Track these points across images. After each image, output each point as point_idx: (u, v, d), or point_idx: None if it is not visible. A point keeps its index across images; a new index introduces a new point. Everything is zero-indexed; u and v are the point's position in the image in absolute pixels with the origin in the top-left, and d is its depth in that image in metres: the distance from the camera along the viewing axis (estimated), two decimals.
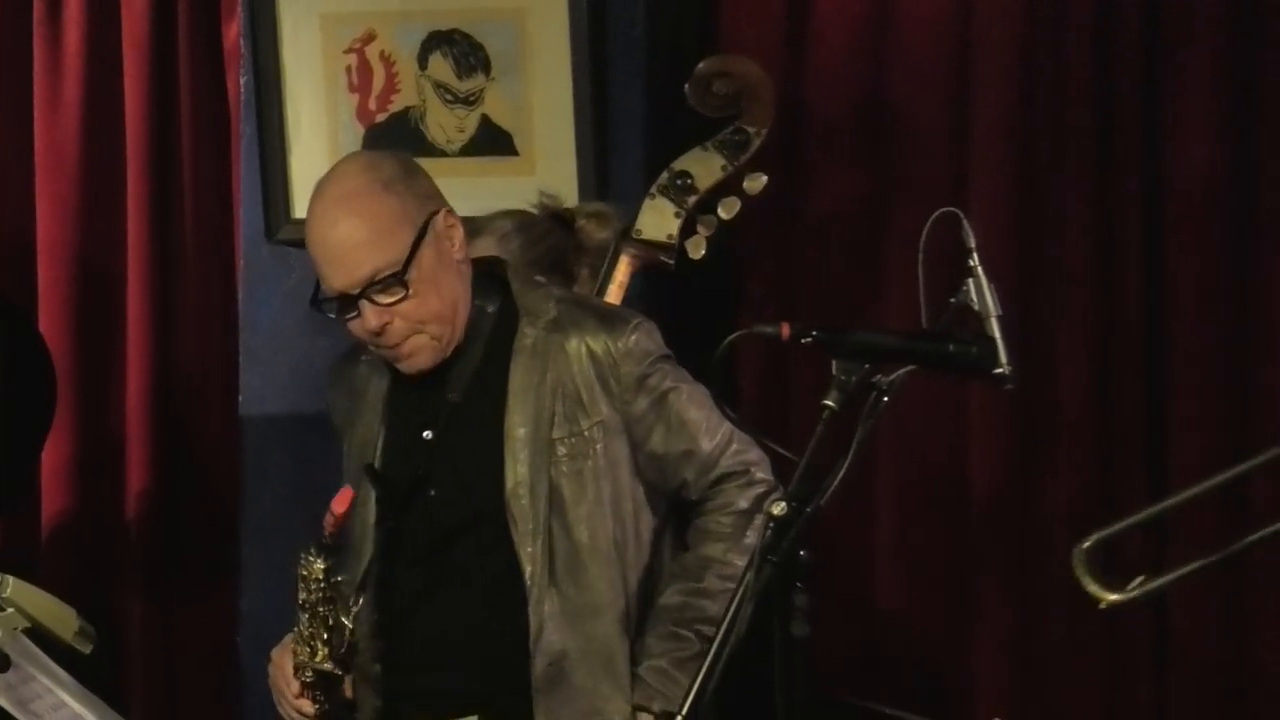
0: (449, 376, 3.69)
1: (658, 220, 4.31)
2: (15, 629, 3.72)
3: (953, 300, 3.11)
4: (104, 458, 5.10)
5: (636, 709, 3.61)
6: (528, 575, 3.64)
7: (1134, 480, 4.53)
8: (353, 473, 3.80)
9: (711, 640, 3.15)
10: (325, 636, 3.56)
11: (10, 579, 3.70)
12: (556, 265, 4.14)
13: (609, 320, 3.77)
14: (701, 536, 3.73)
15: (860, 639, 4.64)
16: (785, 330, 3.13)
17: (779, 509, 2.97)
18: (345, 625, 3.61)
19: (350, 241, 3.53)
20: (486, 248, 4.03)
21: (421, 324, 3.54)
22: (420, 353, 3.58)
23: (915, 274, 3.09)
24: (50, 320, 5.07)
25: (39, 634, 3.76)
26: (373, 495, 3.69)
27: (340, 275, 3.51)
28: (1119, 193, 4.60)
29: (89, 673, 3.74)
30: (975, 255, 3.10)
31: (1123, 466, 4.57)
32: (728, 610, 3.01)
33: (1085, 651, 4.57)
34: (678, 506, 3.75)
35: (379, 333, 3.50)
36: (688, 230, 4.29)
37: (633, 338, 3.66)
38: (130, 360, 5.03)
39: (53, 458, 4.90)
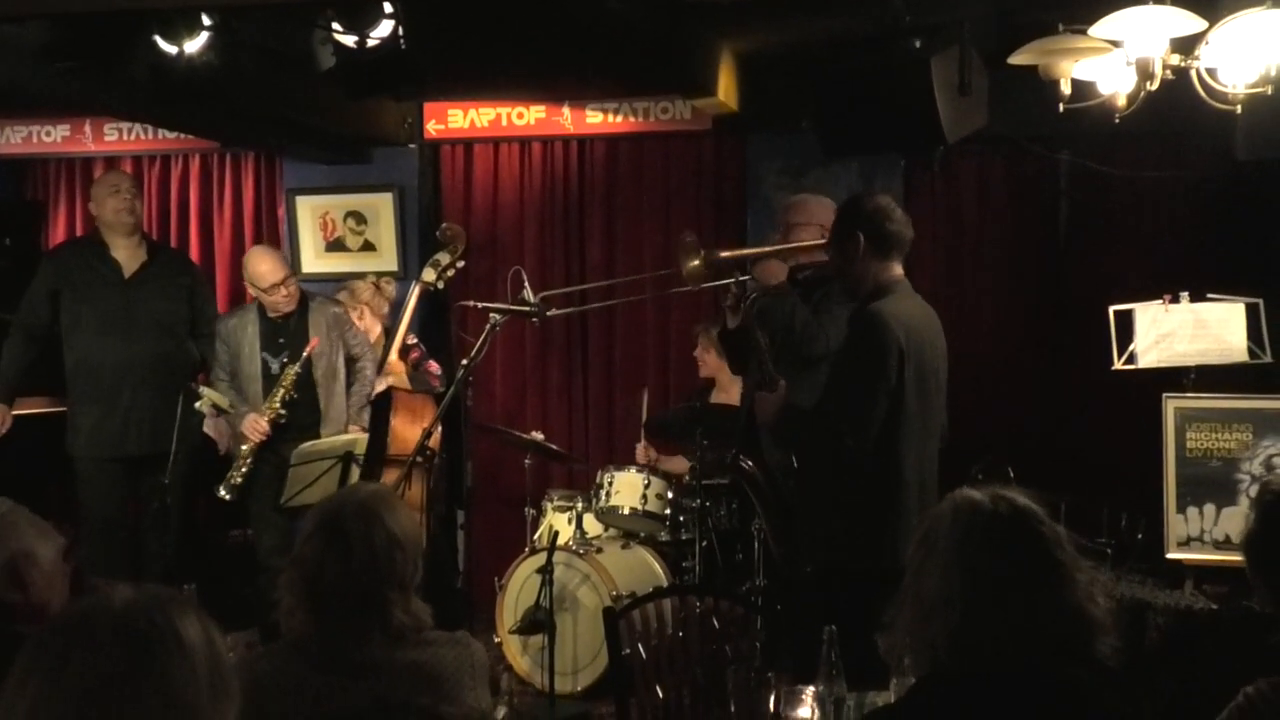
0: (290, 318, 5.50)
1: (429, 274, 5.75)
2: (210, 404, 5.53)
3: (519, 297, 5.03)
4: None
5: (351, 425, 5.53)
6: (320, 392, 5.53)
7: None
8: (243, 356, 5.45)
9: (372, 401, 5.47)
10: (280, 401, 5.40)
11: (203, 387, 5.54)
12: (384, 292, 6.21)
13: (338, 300, 5.78)
14: (362, 369, 5.63)
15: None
16: (473, 303, 5.24)
17: (465, 362, 4.82)
18: (289, 397, 5.41)
19: (280, 264, 5.50)
20: (366, 286, 6.17)
21: (295, 294, 5.52)
22: (290, 306, 5.51)
23: (507, 287, 5.30)
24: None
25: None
26: (258, 355, 5.49)
27: (275, 275, 5.41)
28: (569, 263, 6.87)
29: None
30: (526, 282, 5.06)
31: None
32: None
33: None
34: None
35: (288, 296, 5.43)
36: (440, 279, 5.76)
37: (342, 309, 5.71)
38: None
39: None
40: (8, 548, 2.32)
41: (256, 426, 5.36)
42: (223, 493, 5.42)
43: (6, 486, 2.69)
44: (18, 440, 5.72)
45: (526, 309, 5.11)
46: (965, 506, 2.11)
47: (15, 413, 5.75)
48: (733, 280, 4.41)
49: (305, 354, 5.42)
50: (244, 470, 5.42)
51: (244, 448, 5.41)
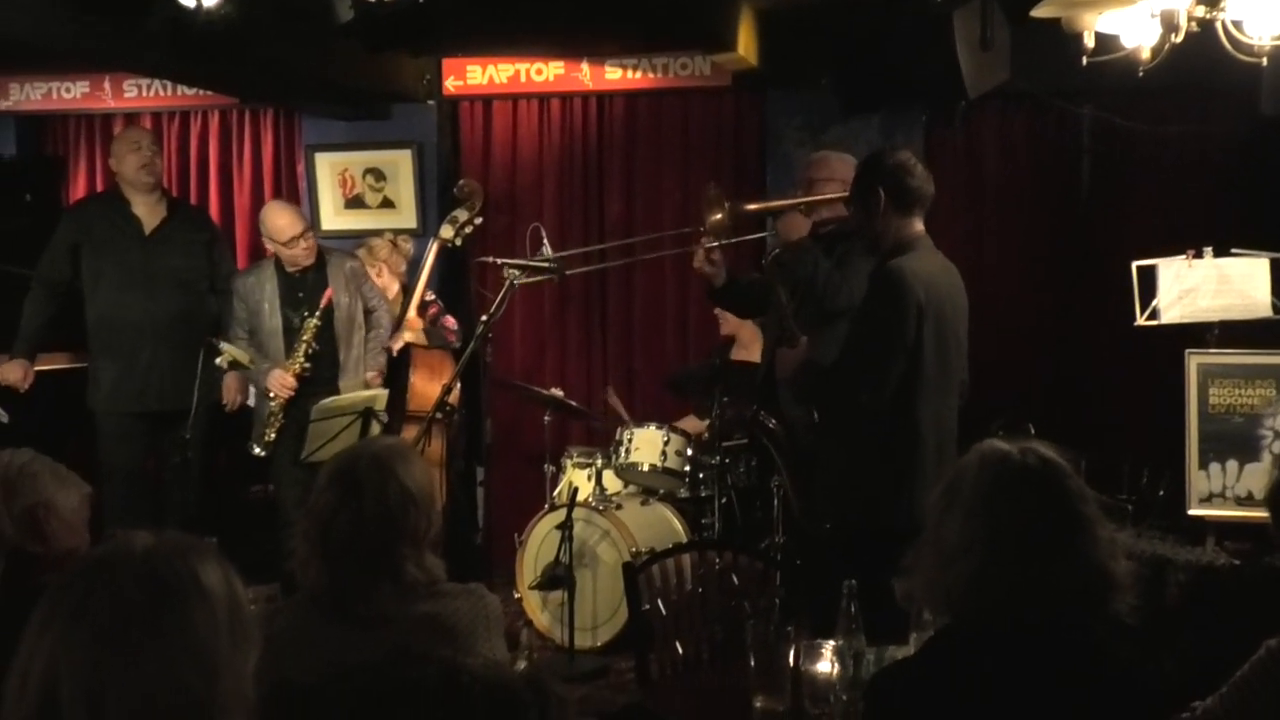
0: (308, 273, 5.47)
1: (447, 231, 6.05)
2: (230, 359, 5.47)
3: (538, 255, 5.18)
4: None
5: (368, 373, 5.54)
6: (339, 344, 5.46)
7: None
8: (263, 312, 5.40)
9: (390, 354, 5.56)
10: (304, 355, 5.38)
11: (224, 343, 5.44)
12: (401, 250, 6.21)
13: (354, 254, 5.75)
14: (378, 319, 5.61)
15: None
16: (492, 259, 5.30)
17: (484, 318, 4.95)
18: (310, 350, 5.37)
19: (298, 218, 5.44)
20: (384, 244, 6.14)
21: (314, 248, 5.49)
22: (309, 260, 5.46)
23: (526, 244, 5.46)
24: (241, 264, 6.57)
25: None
26: (279, 311, 5.43)
27: (294, 229, 5.34)
28: (588, 219, 6.81)
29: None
30: (545, 239, 5.24)
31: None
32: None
33: None
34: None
35: (307, 250, 5.38)
36: (457, 235, 6.05)
37: (358, 262, 5.69)
38: None
39: None
40: (27, 498, 2.32)
41: (284, 382, 5.34)
42: (257, 450, 5.44)
43: (29, 442, 2.69)
44: (40, 396, 5.74)
45: (545, 266, 5.09)
46: (993, 457, 2.10)
47: (37, 368, 5.77)
48: (702, 246, 4.40)
49: (323, 303, 5.41)
50: (276, 426, 5.42)
51: (273, 404, 5.39)
